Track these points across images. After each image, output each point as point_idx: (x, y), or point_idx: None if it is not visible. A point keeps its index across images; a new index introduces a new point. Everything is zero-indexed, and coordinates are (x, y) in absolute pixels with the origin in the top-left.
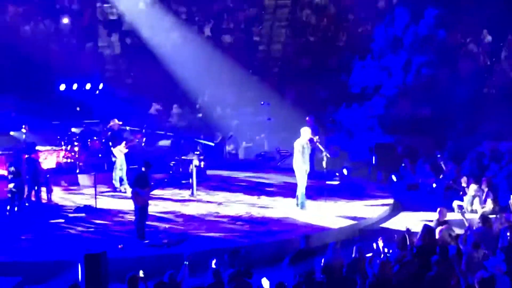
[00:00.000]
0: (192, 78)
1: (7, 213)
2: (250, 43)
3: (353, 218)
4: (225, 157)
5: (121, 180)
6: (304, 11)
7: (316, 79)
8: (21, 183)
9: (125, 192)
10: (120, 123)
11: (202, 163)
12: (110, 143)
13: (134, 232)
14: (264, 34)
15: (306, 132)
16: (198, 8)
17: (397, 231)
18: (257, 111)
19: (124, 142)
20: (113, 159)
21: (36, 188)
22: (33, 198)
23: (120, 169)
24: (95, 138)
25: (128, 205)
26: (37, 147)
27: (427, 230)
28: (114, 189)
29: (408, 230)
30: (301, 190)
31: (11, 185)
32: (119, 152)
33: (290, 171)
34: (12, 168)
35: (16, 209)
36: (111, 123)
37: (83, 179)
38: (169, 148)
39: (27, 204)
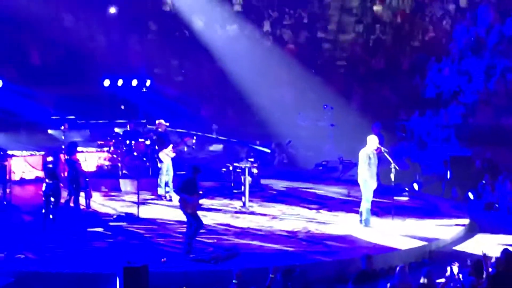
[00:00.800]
0: (248, 77)
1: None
2: (313, 40)
3: (423, 239)
4: (281, 165)
5: (166, 186)
6: (376, 6)
7: (387, 82)
8: (57, 186)
9: (170, 200)
10: (167, 124)
11: (256, 171)
12: (156, 146)
13: (184, 244)
14: (330, 31)
15: (373, 141)
16: (256, 1)
17: (472, 255)
18: (319, 115)
19: (171, 146)
20: (159, 164)
21: (76, 193)
22: (71, 204)
23: (166, 174)
24: (140, 140)
25: (173, 214)
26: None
27: (507, 255)
28: (159, 196)
29: (484, 254)
30: (365, 205)
31: (43, 188)
32: (166, 156)
33: (354, 183)
34: (48, 169)
35: (51, 216)
36: (158, 124)
37: (126, 184)
38: (220, 153)
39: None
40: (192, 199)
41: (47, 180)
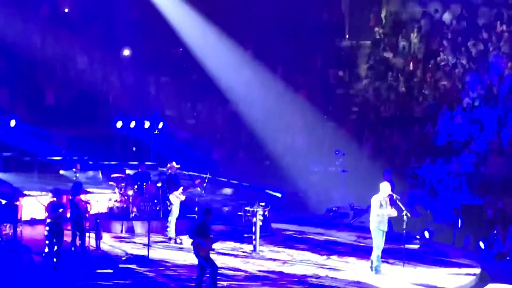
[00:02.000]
0: (260, 121)
1: (43, 254)
2: (326, 85)
3: (434, 287)
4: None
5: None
6: (388, 53)
7: (398, 129)
8: (58, 226)
9: (181, 243)
10: (178, 166)
11: (267, 214)
12: (167, 188)
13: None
14: (342, 77)
15: (386, 188)
16: (270, 45)
17: None
18: (331, 161)
19: (181, 188)
20: (169, 206)
21: (78, 233)
22: (77, 244)
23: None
24: (150, 182)
25: (183, 257)
26: (88, 189)
27: None
28: (169, 239)
29: None
30: (376, 252)
31: (46, 228)
32: (176, 198)
33: (364, 230)
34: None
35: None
36: (169, 166)
37: (136, 226)
38: (231, 197)
39: (73, 248)
40: (205, 243)
41: (48, 220)
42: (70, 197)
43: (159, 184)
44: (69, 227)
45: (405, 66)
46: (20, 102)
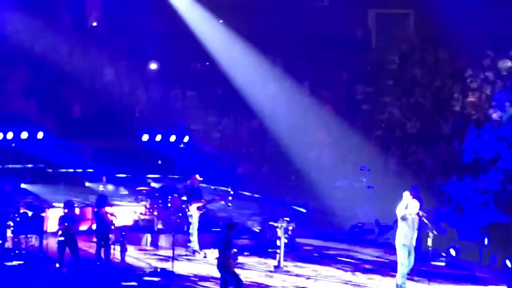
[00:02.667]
0: (286, 135)
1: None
2: (352, 100)
3: None
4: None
5: (189, 241)
6: (415, 69)
7: (424, 146)
8: (70, 238)
9: (205, 257)
10: (201, 179)
11: (292, 229)
12: (185, 199)
13: None
14: (369, 92)
15: (414, 205)
16: (297, 60)
17: None
18: (356, 177)
19: (202, 201)
20: (190, 218)
21: (104, 245)
22: (102, 256)
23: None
24: (175, 195)
25: (208, 270)
26: (113, 201)
27: None
28: (193, 252)
29: None
30: (401, 269)
31: (61, 238)
32: (195, 210)
33: (390, 246)
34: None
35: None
36: (191, 178)
37: (161, 239)
38: (255, 211)
39: (98, 263)
40: (233, 257)
41: (60, 233)
42: (95, 210)
43: (184, 198)
44: (94, 239)
45: (432, 82)
46: (47, 114)
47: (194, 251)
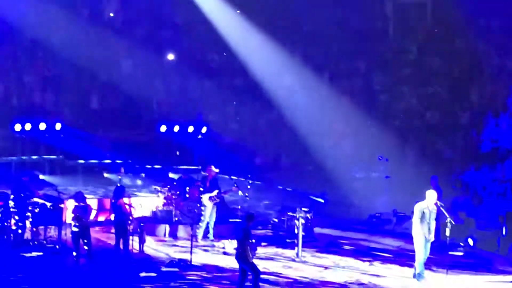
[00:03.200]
0: (303, 125)
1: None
2: (370, 91)
3: None
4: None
5: (207, 232)
6: (433, 58)
7: (442, 135)
8: (85, 229)
9: (223, 248)
10: (217, 170)
11: (310, 220)
12: (202, 189)
13: None
14: (386, 82)
15: (431, 196)
16: (315, 49)
17: None
18: (374, 167)
19: (216, 191)
20: (202, 208)
21: (122, 236)
22: (121, 247)
23: (208, 220)
24: (194, 186)
25: (226, 261)
26: (132, 192)
27: None
28: (212, 243)
29: None
30: (419, 259)
31: (75, 229)
32: (208, 201)
33: (408, 236)
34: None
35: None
36: (207, 169)
37: (179, 230)
38: (274, 202)
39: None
40: (250, 248)
41: (73, 223)
42: (113, 201)
43: (202, 189)
44: (112, 231)
45: (450, 71)
46: (65, 105)
47: (212, 241)
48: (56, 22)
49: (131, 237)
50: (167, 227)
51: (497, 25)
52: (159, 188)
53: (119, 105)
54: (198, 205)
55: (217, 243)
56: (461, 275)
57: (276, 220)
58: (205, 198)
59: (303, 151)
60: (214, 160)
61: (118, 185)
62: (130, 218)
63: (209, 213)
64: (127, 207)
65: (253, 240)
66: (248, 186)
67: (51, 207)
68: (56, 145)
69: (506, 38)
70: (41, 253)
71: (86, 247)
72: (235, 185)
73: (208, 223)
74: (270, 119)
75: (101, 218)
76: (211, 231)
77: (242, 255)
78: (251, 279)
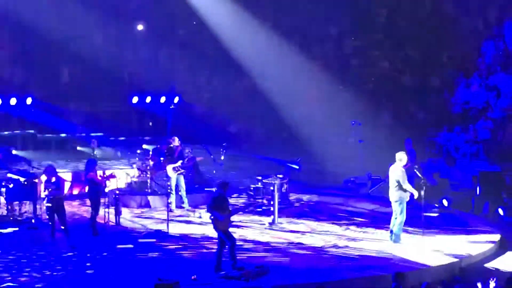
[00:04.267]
0: (277, 93)
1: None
2: (342, 56)
3: (454, 255)
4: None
5: (181, 202)
6: (403, 22)
7: (415, 98)
8: (57, 202)
9: (200, 217)
10: (179, 142)
11: (286, 186)
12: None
13: (214, 262)
14: (358, 47)
15: (402, 158)
16: (286, 16)
17: (504, 273)
18: (348, 131)
19: (179, 162)
20: (169, 180)
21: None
22: (100, 221)
23: (171, 191)
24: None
25: (202, 230)
26: (108, 164)
27: None
28: (187, 213)
29: None
30: (398, 221)
31: (48, 204)
32: (171, 171)
33: (383, 199)
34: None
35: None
36: (171, 140)
37: (155, 201)
38: (249, 169)
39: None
40: (223, 217)
41: (45, 199)
42: (85, 174)
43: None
44: (88, 203)
45: (420, 34)
46: (35, 80)
47: (188, 211)
48: None
49: (107, 210)
50: (143, 198)
51: None
52: (133, 160)
53: (90, 77)
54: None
55: (193, 213)
56: (436, 235)
57: (252, 187)
58: (169, 168)
59: (276, 118)
60: (187, 130)
61: (89, 158)
62: (105, 190)
63: (174, 183)
64: (99, 178)
65: (230, 209)
66: (222, 157)
67: (25, 182)
68: (28, 120)
69: None
70: (16, 229)
71: (61, 223)
72: (199, 158)
73: (179, 192)
74: (243, 88)
75: (76, 192)
76: (185, 200)
77: (218, 224)
78: (228, 247)
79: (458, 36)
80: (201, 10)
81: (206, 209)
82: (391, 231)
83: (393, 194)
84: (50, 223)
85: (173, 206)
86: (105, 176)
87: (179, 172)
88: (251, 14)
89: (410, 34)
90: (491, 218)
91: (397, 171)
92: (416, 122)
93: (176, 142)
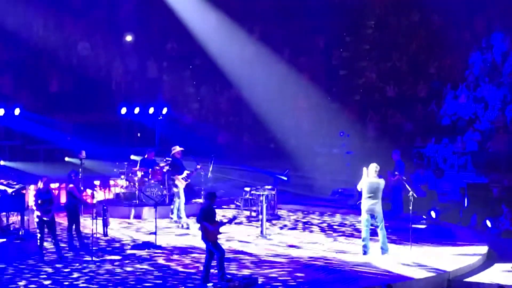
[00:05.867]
0: (264, 103)
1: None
2: (329, 67)
3: (441, 267)
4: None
5: (178, 212)
6: (391, 33)
7: (403, 109)
8: (51, 216)
9: (188, 228)
10: (182, 149)
11: (273, 198)
12: (171, 172)
13: (202, 272)
14: (345, 58)
15: (378, 168)
16: (273, 27)
17: (491, 285)
18: (335, 142)
19: (186, 172)
20: (174, 189)
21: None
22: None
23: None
24: (156, 167)
25: (191, 241)
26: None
27: None
28: (175, 223)
29: (500, 286)
30: (381, 233)
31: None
32: (179, 182)
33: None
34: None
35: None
36: (173, 150)
37: (143, 212)
38: (237, 181)
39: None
40: (213, 228)
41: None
42: (65, 186)
43: (165, 169)
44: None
45: (408, 45)
46: (24, 90)
47: (176, 222)
48: (11, 4)
49: (94, 221)
50: (131, 209)
51: None
52: (121, 170)
53: (79, 88)
54: (161, 186)
55: (180, 224)
56: (424, 247)
57: (240, 199)
58: (179, 179)
59: (264, 129)
60: (175, 140)
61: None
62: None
63: (182, 193)
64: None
65: (218, 220)
66: (211, 167)
67: (13, 193)
68: (16, 130)
69: (461, 10)
70: (4, 240)
71: (52, 235)
72: (199, 165)
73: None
74: (231, 98)
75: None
76: (183, 212)
77: (207, 235)
78: (216, 259)
79: (446, 47)
80: (189, 22)
81: (195, 220)
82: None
83: (378, 206)
84: (39, 236)
85: (182, 214)
86: (86, 194)
87: (187, 182)
88: (239, 25)
89: (397, 45)
90: (479, 229)
91: (381, 182)
92: (403, 133)
93: (178, 151)
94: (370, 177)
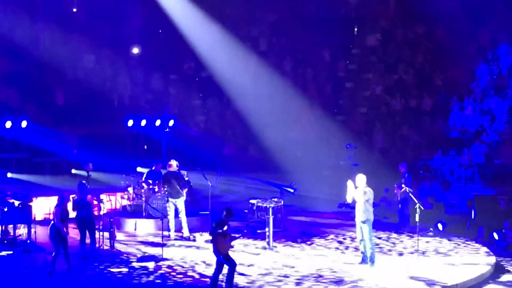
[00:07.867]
0: (270, 115)
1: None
2: (335, 79)
3: (449, 280)
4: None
5: (181, 227)
6: (397, 46)
7: (409, 121)
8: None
9: (194, 240)
10: (177, 163)
11: (280, 210)
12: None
13: (209, 286)
14: (351, 70)
15: (361, 180)
16: (279, 40)
17: None
18: (342, 154)
19: (185, 191)
20: (167, 204)
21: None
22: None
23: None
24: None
25: (197, 254)
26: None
27: None
28: (182, 236)
29: None
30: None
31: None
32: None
33: (378, 223)
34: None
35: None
36: (168, 165)
37: (150, 224)
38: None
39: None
40: (225, 241)
41: (52, 222)
42: (75, 197)
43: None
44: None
45: (414, 58)
46: (30, 102)
47: (182, 236)
48: (18, 18)
49: (101, 233)
50: (138, 221)
51: (457, 10)
52: (128, 183)
53: (85, 100)
54: (166, 199)
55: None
56: (431, 259)
57: (247, 211)
58: (185, 193)
59: (271, 141)
60: (182, 153)
61: (80, 181)
62: (99, 213)
63: (173, 208)
64: (95, 202)
65: (231, 234)
66: (218, 178)
67: (20, 206)
68: (23, 143)
69: (467, 22)
70: (11, 252)
71: (64, 248)
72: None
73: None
74: (237, 111)
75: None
76: (185, 225)
77: (220, 248)
78: (228, 271)
79: (452, 59)
80: (195, 34)
81: (203, 233)
82: (371, 258)
83: (363, 215)
84: (55, 249)
85: (171, 232)
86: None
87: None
88: (245, 38)
89: (404, 57)
90: (485, 242)
91: (370, 191)
92: (410, 146)
93: (171, 166)
94: (361, 187)
